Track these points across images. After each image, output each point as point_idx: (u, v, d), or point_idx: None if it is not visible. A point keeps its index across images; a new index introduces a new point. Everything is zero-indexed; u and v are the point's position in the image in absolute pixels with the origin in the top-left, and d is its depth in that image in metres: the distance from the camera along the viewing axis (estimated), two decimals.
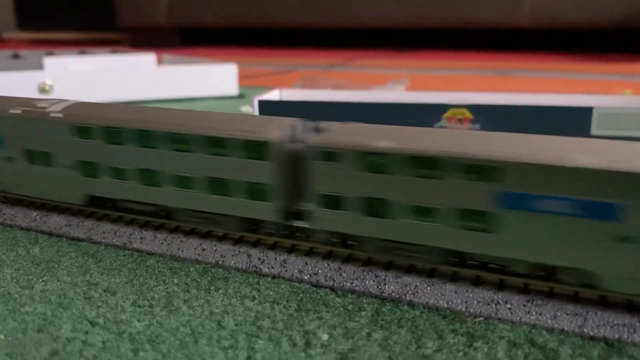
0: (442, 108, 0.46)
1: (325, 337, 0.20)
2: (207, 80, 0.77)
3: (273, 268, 0.24)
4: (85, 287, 0.23)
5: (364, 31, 1.94)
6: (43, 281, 0.24)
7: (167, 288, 0.23)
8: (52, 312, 0.21)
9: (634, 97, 0.47)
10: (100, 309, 0.22)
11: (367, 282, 0.23)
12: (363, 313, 0.21)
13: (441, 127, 0.46)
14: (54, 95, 0.68)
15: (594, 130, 0.41)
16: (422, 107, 0.46)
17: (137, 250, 0.26)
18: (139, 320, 0.21)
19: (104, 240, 0.27)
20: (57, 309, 0.22)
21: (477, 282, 0.22)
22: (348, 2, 1.90)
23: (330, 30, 1.98)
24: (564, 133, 0.42)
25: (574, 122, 0.42)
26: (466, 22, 1.76)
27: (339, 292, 0.23)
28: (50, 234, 0.29)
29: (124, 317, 0.21)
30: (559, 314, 0.20)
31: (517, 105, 0.44)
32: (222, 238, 0.26)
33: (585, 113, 0.42)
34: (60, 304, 0.22)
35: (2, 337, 0.20)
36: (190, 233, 0.26)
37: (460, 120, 0.45)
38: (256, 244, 0.25)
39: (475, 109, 0.45)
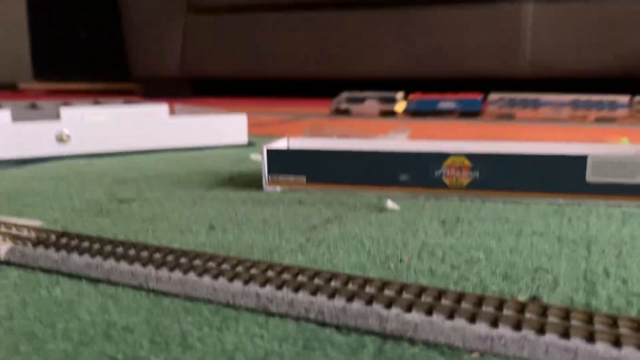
0: (443, 156, 0.48)
1: None
2: (218, 130, 0.79)
3: (281, 307, 0.25)
4: (105, 326, 0.25)
5: (369, 81, 1.99)
6: (64, 320, 0.25)
7: (181, 326, 0.25)
8: (74, 349, 0.23)
9: (629, 145, 0.49)
10: (119, 346, 0.23)
11: (370, 321, 0.24)
12: (366, 350, 0.23)
13: (442, 174, 0.48)
14: (71, 144, 0.71)
15: (589, 178, 0.43)
16: (423, 155, 0.48)
17: (153, 290, 0.28)
18: (156, 356, 0.22)
19: (121, 281, 0.29)
20: (78, 346, 0.23)
21: (472, 319, 0.23)
22: (351, 54, 1.96)
23: (335, 81, 2.03)
24: (560, 180, 0.44)
25: (570, 169, 0.44)
26: (468, 72, 1.80)
27: (344, 331, 0.24)
28: (70, 275, 0.30)
29: (142, 354, 0.22)
30: (550, 349, 0.21)
31: (514, 153, 0.46)
32: (233, 278, 0.27)
33: (580, 161, 0.43)
34: (81, 342, 0.23)
35: None
36: (202, 273, 0.28)
37: (459, 168, 0.47)
38: (264, 283, 0.27)
39: (474, 157, 0.47)
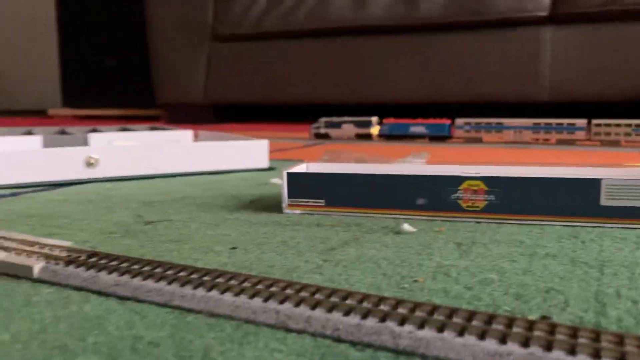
0: (459, 180, 0.49)
1: None
2: (240, 155, 0.82)
3: (298, 324, 0.27)
4: (132, 340, 0.26)
5: (386, 105, 2.01)
6: (94, 334, 0.27)
7: (204, 341, 0.26)
8: None
9: None
10: (145, 358, 0.24)
11: (383, 337, 0.25)
12: None
13: (458, 197, 0.49)
14: (99, 168, 0.73)
15: (603, 201, 0.44)
16: (439, 179, 0.49)
17: (177, 307, 0.29)
18: None
19: (148, 299, 0.30)
20: (107, 359, 0.25)
21: (482, 336, 0.24)
22: (368, 79, 1.98)
23: (353, 105, 2.06)
24: (574, 203, 0.44)
25: (584, 192, 0.44)
26: (485, 96, 1.81)
27: (358, 347, 0.25)
28: (100, 293, 0.32)
29: None
30: None
31: (529, 177, 0.46)
32: (253, 296, 0.29)
33: (594, 184, 0.44)
34: (110, 355, 0.25)
35: None
36: (224, 291, 0.29)
37: (475, 192, 0.48)
38: (283, 301, 0.28)
39: (489, 180, 0.47)
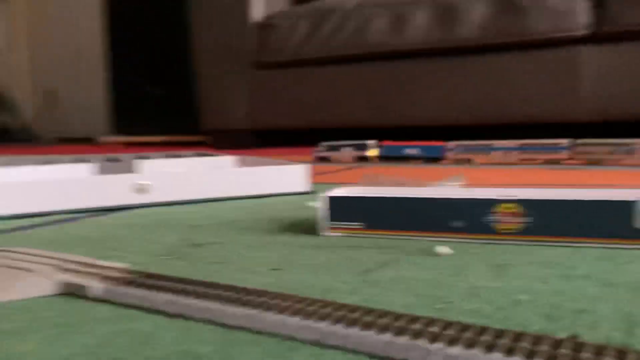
0: (494, 203, 0.50)
1: None
2: (281, 179, 0.84)
3: (336, 341, 0.28)
4: (182, 355, 0.28)
5: (422, 128, 2.02)
6: (148, 349, 0.29)
7: (249, 356, 0.28)
8: None
9: None
10: None
11: (415, 354, 0.27)
12: None
13: (494, 220, 0.50)
14: (149, 194, 0.77)
15: (637, 223, 0.44)
16: (475, 202, 0.50)
17: (224, 324, 0.32)
18: None
19: (196, 316, 0.33)
20: None
21: (510, 352, 0.25)
22: (408, 103, 2.00)
23: (391, 129, 2.07)
24: (608, 225, 0.45)
25: (618, 215, 0.45)
26: (522, 118, 1.80)
27: None
28: (152, 311, 0.34)
29: None
30: None
31: (564, 199, 0.47)
32: (294, 314, 0.30)
33: (628, 206, 0.44)
34: None
35: None
36: (267, 309, 0.31)
37: (510, 214, 0.49)
38: (322, 319, 0.30)
39: (524, 203, 0.48)
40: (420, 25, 1.94)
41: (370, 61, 2.07)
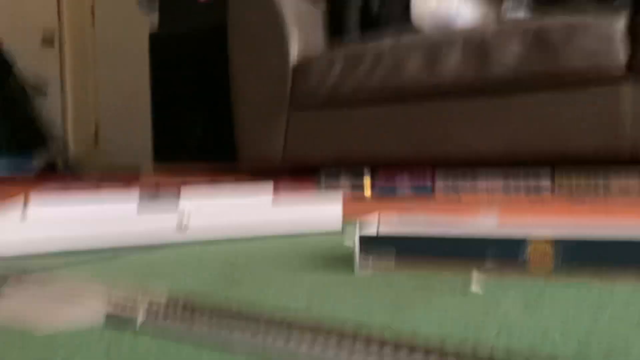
0: (527, 243, 0.50)
1: None
2: (316, 218, 0.86)
3: None
4: None
5: (462, 164, 2.02)
6: None
7: None
8: None
9: None
10: None
11: None
12: None
13: (526, 259, 0.50)
14: (189, 231, 0.80)
15: None
16: (508, 241, 0.51)
17: (262, 356, 0.33)
18: None
19: (237, 349, 0.34)
20: None
21: None
22: (442, 141, 2.01)
23: (426, 162, 2.08)
24: None
25: None
26: (564, 155, 1.78)
27: None
28: (194, 343, 0.36)
29: None
30: None
31: (598, 239, 0.47)
32: (326, 347, 0.32)
33: None
34: None
35: None
36: (301, 342, 0.33)
37: (543, 253, 0.49)
38: (353, 352, 0.31)
39: (557, 242, 0.49)
40: (453, 64, 1.97)
41: (403, 101, 2.10)
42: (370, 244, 0.56)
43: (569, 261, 0.48)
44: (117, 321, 0.41)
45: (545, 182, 1.37)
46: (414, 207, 1.32)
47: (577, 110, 1.75)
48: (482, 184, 1.47)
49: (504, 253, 0.51)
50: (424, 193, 1.53)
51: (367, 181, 1.62)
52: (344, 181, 1.66)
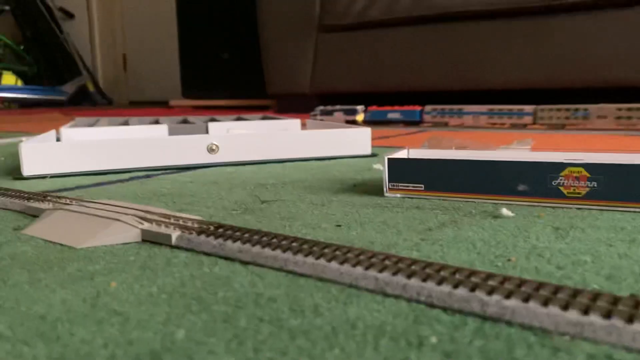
0: (560, 166, 0.49)
1: (434, 340, 0.25)
2: (344, 142, 0.86)
3: (395, 290, 0.30)
4: (254, 296, 0.31)
5: (495, 92, 1.96)
6: (223, 290, 0.32)
7: (314, 299, 0.30)
8: (232, 311, 0.29)
9: None
10: (265, 310, 0.29)
11: (472, 304, 0.28)
12: (467, 327, 0.26)
13: (559, 184, 0.49)
14: (219, 154, 0.81)
15: None
16: (541, 165, 0.50)
17: (291, 271, 0.34)
18: (294, 319, 0.28)
19: (266, 264, 0.35)
20: (235, 309, 0.30)
21: (566, 307, 0.26)
22: (478, 66, 1.94)
23: (458, 92, 2.03)
24: None
25: None
26: (604, 81, 1.71)
27: (449, 312, 0.28)
28: (226, 258, 0.37)
29: (283, 317, 0.28)
30: (637, 336, 0.24)
31: (632, 164, 0.46)
32: (356, 264, 0.32)
33: None
34: (237, 306, 0.30)
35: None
36: (331, 259, 0.33)
37: (577, 178, 0.48)
38: (382, 270, 0.31)
39: (591, 167, 0.48)
40: None
41: (436, 23, 2.02)
42: (399, 167, 0.56)
43: (603, 187, 0.47)
44: (152, 237, 0.42)
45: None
46: (439, 134, 1.30)
47: (619, 33, 1.66)
48: (467, 109, 1.48)
49: (538, 177, 0.50)
50: (413, 118, 1.54)
51: (359, 108, 1.62)
52: (338, 107, 1.66)
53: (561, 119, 1.32)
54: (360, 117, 1.61)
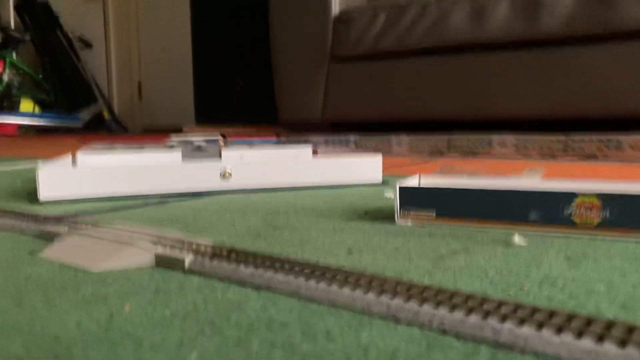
0: (573, 195, 0.49)
1: None
2: (356, 170, 0.86)
3: (407, 316, 0.30)
4: (266, 321, 0.31)
5: (505, 122, 1.96)
6: (236, 315, 0.32)
7: (326, 324, 0.30)
8: (245, 335, 0.29)
9: None
10: (278, 335, 0.29)
11: (485, 332, 0.28)
12: (480, 355, 0.26)
13: (571, 213, 0.49)
14: (232, 180, 0.82)
15: None
16: (553, 194, 0.50)
17: (303, 296, 0.34)
18: (306, 344, 0.28)
19: (279, 288, 0.35)
20: (248, 333, 0.30)
21: (580, 335, 0.26)
22: (487, 96, 1.95)
23: (469, 121, 2.03)
24: None
25: None
26: (615, 112, 1.71)
27: (461, 339, 0.28)
28: (239, 282, 0.38)
29: (296, 342, 0.28)
30: None
31: None
32: (368, 290, 0.32)
33: None
34: (250, 330, 0.30)
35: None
36: (343, 285, 0.33)
37: (589, 207, 0.48)
38: (394, 296, 0.31)
39: (604, 197, 0.48)
40: (500, 17, 1.89)
41: (448, 54, 2.04)
42: (411, 195, 0.56)
43: (615, 216, 0.47)
44: (166, 261, 0.42)
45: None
46: (451, 162, 1.31)
47: (630, 63, 1.66)
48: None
49: (550, 206, 0.50)
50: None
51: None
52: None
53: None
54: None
